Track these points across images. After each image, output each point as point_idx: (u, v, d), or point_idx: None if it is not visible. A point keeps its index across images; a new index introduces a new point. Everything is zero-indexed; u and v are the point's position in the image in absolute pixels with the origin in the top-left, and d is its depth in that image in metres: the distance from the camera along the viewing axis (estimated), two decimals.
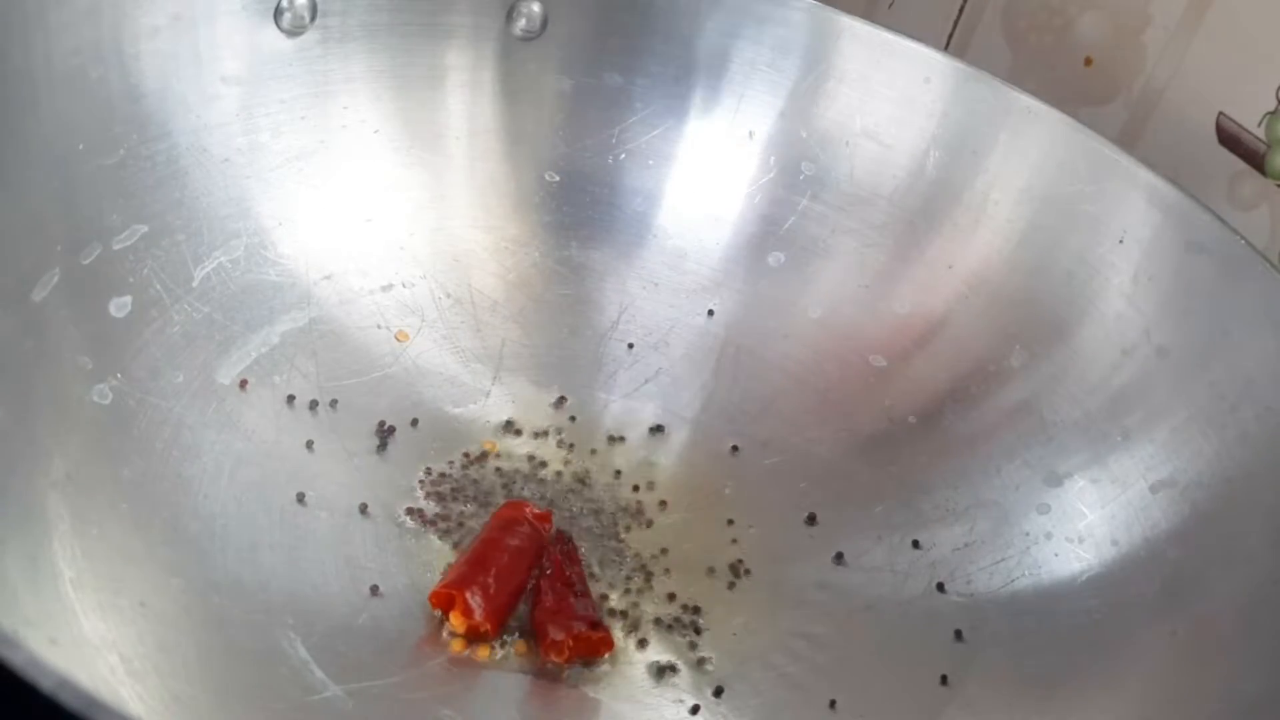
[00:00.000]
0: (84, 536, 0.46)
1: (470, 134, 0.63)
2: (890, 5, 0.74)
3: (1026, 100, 0.60)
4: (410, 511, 0.53)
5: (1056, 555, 0.54)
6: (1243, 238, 0.53)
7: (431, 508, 0.53)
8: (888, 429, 0.59)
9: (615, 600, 0.52)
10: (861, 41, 0.62)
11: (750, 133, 0.64)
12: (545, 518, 0.52)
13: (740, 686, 0.49)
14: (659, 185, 0.64)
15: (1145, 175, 0.56)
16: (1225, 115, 0.62)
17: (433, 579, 0.50)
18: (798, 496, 0.57)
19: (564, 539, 0.52)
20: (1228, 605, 0.49)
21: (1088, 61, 0.67)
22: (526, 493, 0.55)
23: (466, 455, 0.56)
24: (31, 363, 0.47)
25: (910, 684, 0.50)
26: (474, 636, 0.48)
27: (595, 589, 0.51)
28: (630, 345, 0.62)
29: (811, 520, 0.56)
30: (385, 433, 0.55)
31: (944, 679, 0.50)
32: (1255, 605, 0.48)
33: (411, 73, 0.61)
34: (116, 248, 0.52)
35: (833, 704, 0.49)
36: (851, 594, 0.53)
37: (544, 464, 0.56)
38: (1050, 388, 0.57)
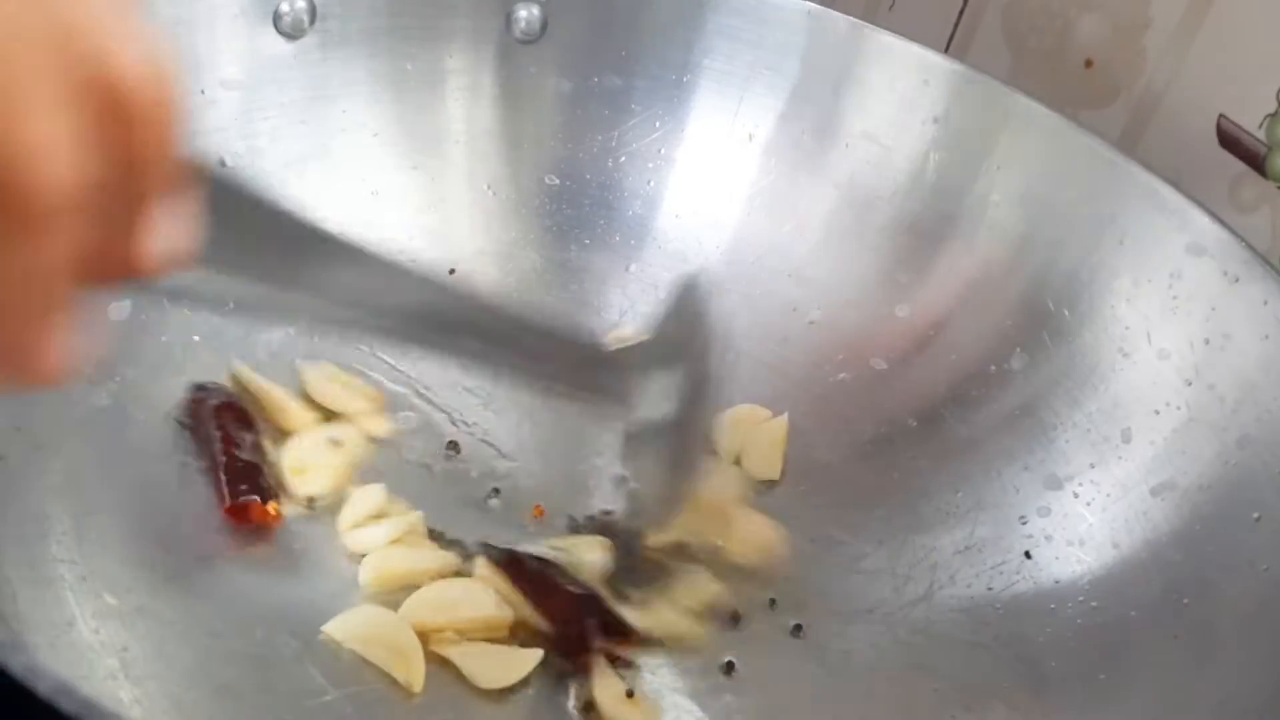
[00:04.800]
0: (83, 540, 0.46)
1: (470, 137, 0.63)
2: (890, 7, 0.74)
3: (1027, 103, 0.59)
4: (409, 514, 0.53)
5: (1057, 558, 0.54)
6: (1243, 240, 0.53)
7: (431, 511, 0.53)
8: (888, 432, 0.59)
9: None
10: (861, 44, 0.62)
11: (750, 135, 0.64)
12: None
13: (741, 689, 0.49)
14: (659, 188, 0.64)
15: (1145, 178, 0.56)
16: (1226, 117, 0.62)
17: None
18: (798, 500, 0.57)
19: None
20: (1229, 608, 0.49)
21: (1088, 64, 0.67)
22: (521, 497, 0.55)
23: (466, 456, 0.56)
24: None
25: (912, 686, 0.50)
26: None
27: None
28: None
29: (811, 523, 0.56)
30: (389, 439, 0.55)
31: (945, 682, 0.50)
32: (1257, 608, 0.48)
33: (411, 76, 0.61)
34: None
35: (833, 707, 0.49)
36: (852, 597, 0.53)
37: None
38: (1050, 390, 0.57)
